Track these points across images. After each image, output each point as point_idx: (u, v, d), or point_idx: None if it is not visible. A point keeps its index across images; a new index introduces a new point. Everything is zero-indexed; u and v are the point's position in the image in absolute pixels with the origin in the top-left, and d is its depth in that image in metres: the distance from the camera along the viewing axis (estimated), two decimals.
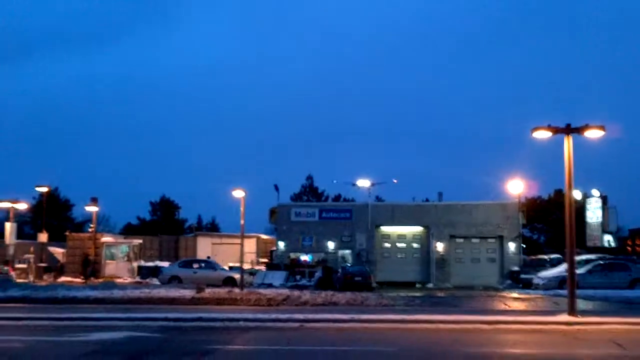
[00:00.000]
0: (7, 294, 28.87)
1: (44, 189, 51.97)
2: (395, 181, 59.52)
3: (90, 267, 44.56)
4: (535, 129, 20.84)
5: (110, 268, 47.18)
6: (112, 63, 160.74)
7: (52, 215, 66.25)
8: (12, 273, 41.59)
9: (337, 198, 75.93)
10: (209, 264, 40.55)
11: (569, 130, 20.74)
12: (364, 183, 49.93)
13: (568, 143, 20.75)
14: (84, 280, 41.21)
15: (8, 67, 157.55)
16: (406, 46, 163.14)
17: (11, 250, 43.76)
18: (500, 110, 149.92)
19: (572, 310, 19.99)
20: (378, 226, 45.30)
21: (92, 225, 52.23)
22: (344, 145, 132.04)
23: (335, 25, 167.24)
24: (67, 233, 52.25)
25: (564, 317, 19.51)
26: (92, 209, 50.61)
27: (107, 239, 49.79)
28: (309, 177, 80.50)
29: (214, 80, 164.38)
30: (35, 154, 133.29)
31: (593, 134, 20.72)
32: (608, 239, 44.10)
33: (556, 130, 20.83)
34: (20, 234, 49.69)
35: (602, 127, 20.57)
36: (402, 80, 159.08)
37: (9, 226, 43.66)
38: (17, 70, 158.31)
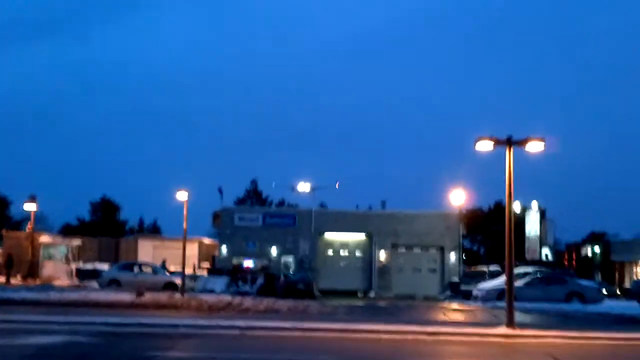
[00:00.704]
0: None
1: None
2: (337, 186, 59.74)
3: (14, 267, 43.26)
4: (479, 139, 21.21)
5: (47, 269, 46.14)
6: (56, 58, 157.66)
7: None
8: None
9: (282, 203, 75.89)
10: (154, 269, 40.03)
11: (510, 142, 21.18)
12: (304, 187, 49.93)
13: (509, 155, 21.18)
14: (6, 282, 39.91)
15: None
16: (353, 49, 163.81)
17: None
18: (447, 120, 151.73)
19: (510, 323, 20.33)
20: (322, 233, 45.35)
21: (29, 224, 51.06)
22: (290, 150, 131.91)
23: (288, 26, 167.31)
24: (3, 232, 50.94)
25: (503, 330, 19.83)
26: (30, 207, 49.44)
27: (45, 238, 48.72)
28: (254, 182, 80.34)
29: (161, 77, 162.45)
30: None
31: (534, 147, 21.18)
32: (546, 253, 45.10)
33: (498, 142, 21.24)
34: None
35: (542, 140, 21.07)
36: (351, 87, 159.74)
37: None
38: None
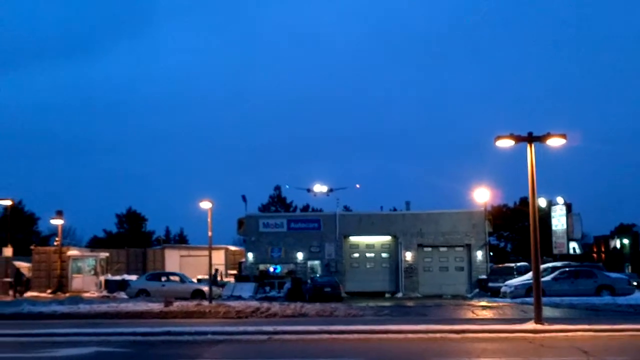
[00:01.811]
0: None
1: (8, 203, 51.40)
2: (358, 186, 59.57)
3: (24, 282, 43.67)
4: (499, 137, 21.07)
5: (76, 282, 46.61)
6: (79, 77, 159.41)
7: (17, 229, 65.26)
8: None
9: (306, 208, 75.95)
10: (182, 278, 40.28)
11: (531, 138, 21.01)
12: (320, 189, 49.82)
13: (530, 151, 21.03)
14: (13, 297, 40.19)
15: None
16: (375, 55, 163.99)
17: None
18: (468, 118, 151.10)
19: (538, 318, 20.18)
20: (346, 236, 45.38)
21: (57, 239, 51.55)
22: (312, 155, 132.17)
23: (307, 32, 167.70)
24: (32, 247, 51.49)
25: (531, 325, 19.70)
26: (57, 222, 49.98)
27: (73, 252, 49.18)
28: (277, 188, 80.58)
29: (180, 91, 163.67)
30: None
31: (555, 142, 21.01)
32: (573, 246, 44.65)
33: (519, 139, 21.08)
34: None
35: (563, 136, 20.89)
36: (371, 89, 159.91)
37: None
38: None
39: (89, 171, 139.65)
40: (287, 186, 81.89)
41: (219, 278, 42.97)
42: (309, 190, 58.34)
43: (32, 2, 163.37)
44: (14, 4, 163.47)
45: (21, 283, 43.39)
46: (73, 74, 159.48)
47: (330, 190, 54.12)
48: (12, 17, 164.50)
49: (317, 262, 44.98)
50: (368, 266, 45.47)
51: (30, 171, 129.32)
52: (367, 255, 45.67)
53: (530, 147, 20.97)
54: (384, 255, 45.52)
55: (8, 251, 47.51)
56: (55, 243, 51.72)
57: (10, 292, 42.35)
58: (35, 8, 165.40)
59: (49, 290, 45.41)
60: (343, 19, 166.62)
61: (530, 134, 20.98)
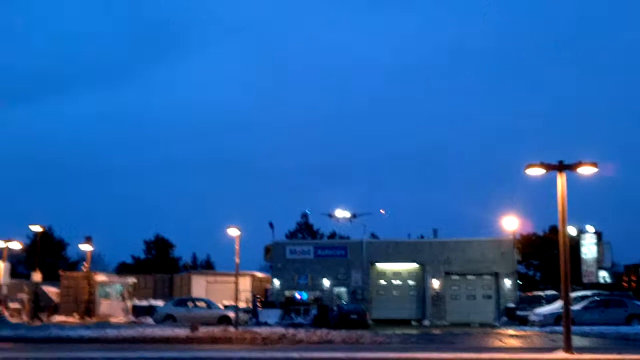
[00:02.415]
0: (1, 333, 28.68)
1: (38, 228, 51.87)
2: (382, 212, 58.92)
3: (44, 307, 43.84)
4: (529, 166, 20.95)
5: (104, 307, 46.83)
6: (105, 104, 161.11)
7: (46, 254, 65.96)
8: (6, 313, 41.31)
9: (333, 235, 75.75)
10: (208, 304, 40.36)
11: (561, 167, 20.85)
12: (343, 214, 49.53)
13: (561, 180, 20.86)
14: (31, 322, 40.30)
15: (2, 109, 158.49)
16: (400, 80, 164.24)
17: (4, 290, 43.57)
18: (496, 146, 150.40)
19: (568, 348, 19.89)
20: (373, 263, 45.26)
21: (85, 264, 51.94)
22: (340, 181, 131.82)
23: (335, 58, 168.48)
24: (61, 272, 51.91)
25: (561, 355, 19.42)
26: (86, 247, 50.39)
27: (101, 278, 49.49)
28: (304, 215, 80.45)
29: (208, 117, 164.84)
30: (29, 193, 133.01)
31: (586, 170, 20.84)
32: (603, 275, 44.10)
33: (549, 168, 20.93)
34: (13, 273, 49.47)
35: (594, 164, 20.70)
36: (397, 116, 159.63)
37: (2, 265, 43.59)
38: (10, 111, 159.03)
39: (117, 197, 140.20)
40: (308, 211, 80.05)
41: (258, 305, 42.72)
42: (330, 216, 57.73)
43: (59, 32, 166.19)
44: (43, 33, 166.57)
45: (40, 307, 43.58)
46: (102, 101, 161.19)
47: (354, 215, 53.62)
48: (39, 44, 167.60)
49: (343, 289, 44.86)
50: (395, 294, 45.27)
51: (60, 197, 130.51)
52: (394, 282, 45.48)
53: (561, 175, 20.80)
54: (410, 282, 45.30)
55: (37, 276, 47.85)
56: (84, 268, 52.11)
57: (24, 317, 42.58)
58: (64, 38, 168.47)
59: (76, 315, 45.67)
60: (370, 44, 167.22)
61: (560, 162, 20.82)
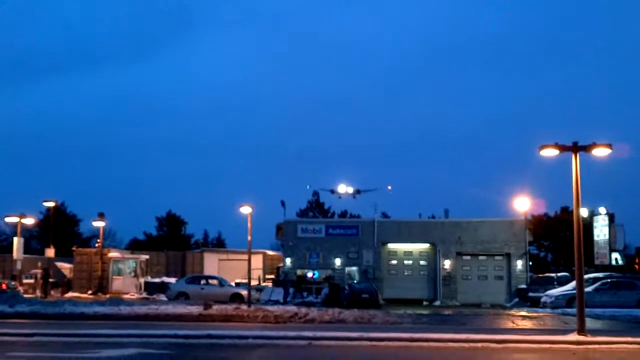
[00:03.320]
0: (16, 309, 28.92)
1: (51, 204, 52.26)
2: (389, 188, 58.59)
3: (50, 283, 44.13)
4: (543, 147, 20.84)
5: (117, 284, 47.23)
6: (121, 82, 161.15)
7: (59, 230, 66.34)
8: (20, 288, 41.69)
9: (344, 214, 75.84)
10: (221, 281, 40.55)
11: (576, 148, 20.74)
12: (346, 189, 49.02)
13: (575, 161, 20.75)
14: (43, 297, 40.64)
15: (18, 87, 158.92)
16: (415, 64, 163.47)
17: (19, 265, 43.93)
18: (507, 126, 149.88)
19: (581, 330, 19.89)
20: (385, 243, 45.24)
21: (99, 241, 52.31)
22: (352, 161, 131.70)
23: (350, 40, 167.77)
24: (74, 248, 52.29)
25: (574, 337, 19.41)
26: (99, 224, 50.76)
27: (114, 254, 49.84)
28: (315, 193, 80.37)
29: (221, 96, 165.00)
30: (42, 169, 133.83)
31: (600, 152, 20.74)
32: (615, 257, 43.89)
33: (563, 149, 20.83)
34: (27, 249, 49.89)
35: (609, 146, 20.60)
36: (409, 96, 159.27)
37: (16, 241, 43.87)
38: (26, 89, 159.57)
39: (130, 174, 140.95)
40: (308, 186, 78.73)
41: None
42: (332, 192, 57.12)
43: (68, 11, 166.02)
44: (52, 11, 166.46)
45: (50, 283, 43.89)
46: (115, 79, 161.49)
47: (358, 191, 53.03)
48: (53, 22, 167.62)
49: (354, 269, 44.87)
50: (406, 273, 45.26)
51: (73, 174, 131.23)
52: (405, 262, 45.46)
53: (575, 157, 20.69)
54: (422, 262, 45.27)
55: (50, 252, 48.26)
56: (97, 245, 52.51)
57: (38, 293, 42.93)
58: (72, 16, 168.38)
59: (89, 292, 46.08)
60: (385, 27, 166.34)
61: (575, 143, 20.71)
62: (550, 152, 20.92)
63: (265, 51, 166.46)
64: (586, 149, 20.65)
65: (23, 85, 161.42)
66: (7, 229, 66.17)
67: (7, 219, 47.70)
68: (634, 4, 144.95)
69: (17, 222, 44.64)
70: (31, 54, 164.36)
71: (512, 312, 35.02)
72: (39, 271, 45.22)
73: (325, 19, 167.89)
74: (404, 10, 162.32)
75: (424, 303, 42.68)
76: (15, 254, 43.67)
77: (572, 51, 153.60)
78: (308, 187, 78.33)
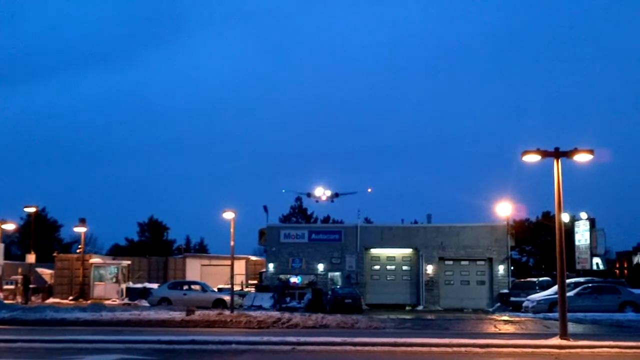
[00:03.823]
0: None
1: (32, 210, 51.79)
2: (369, 190, 58.46)
3: (30, 289, 43.79)
4: (525, 152, 21.00)
5: (98, 289, 46.87)
6: (102, 87, 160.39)
7: (40, 236, 65.79)
8: (0, 294, 41.33)
9: (327, 219, 75.88)
10: (203, 287, 40.41)
11: (558, 154, 20.93)
12: (323, 192, 48.55)
13: (557, 167, 20.93)
14: (24, 303, 40.32)
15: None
16: (398, 67, 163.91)
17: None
18: (489, 131, 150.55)
19: (563, 334, 20.03)
20: (367, 248, 45.32)
21: (80, 246, 51.94)
22: (334, 166, 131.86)
23: (334, 43, 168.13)
24: (55, 254, 51.91)
25: (556, 341, 19.55)
26: (80, 229, 50.42)
27: (95, 260, 49.51)
28: (298, 199, 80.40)
29: (204, 100, 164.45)
30: (23, 174, 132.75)
31: (582, 157, 20.93)
32: (597, 262, 44.25)
33: (545, 154, 21.01)
34: (8, 254, 49.52)
35: (590, 151, 20.81)
36: (391, 102, 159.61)
37: None
38: (4, 94, 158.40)
39: (111, 179, 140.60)
40: (284, 190, 76.00)
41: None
42: (309, 195, 56.52)
43: (61, 10, 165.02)
44: (44, 13, 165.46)
45: (29, 289, 43.47)
46: (96, 83, 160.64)
47: (336, 194, 52.58)
48: (34, 26, 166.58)
49: (337, 274, 44.92)
50: (389, 278, 45.35)
51: (54, 178, 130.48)
52: (388, 267, 45.54)
53: (557, 162, 20.87)
54: (404, 267, 45.38)
55: (31, 258, 47.82)
56: (78, 250, 52.13)
57: (19, 299, 42.57)
58: (64, 16, 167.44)
59: (70, 297, 45.75)
60: (368, 30, 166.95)
61: (557, 149, 20.89)
62: (532, 158, 21.08)
63: (250, 54, 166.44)
64: (568, 154, 20.84)
65: (1, 90, 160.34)
66: None
67: None
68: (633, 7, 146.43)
69: None
70: (11, 57, 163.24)
71: (495, 316, 35.19)
72: (19, 277, 44.82)
73: (314, 24, 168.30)
74: (392, 13, 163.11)
75: (407, 308, 42.78)
76: None
77: (555, 57, 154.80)
78: (284, 191, 75.82)
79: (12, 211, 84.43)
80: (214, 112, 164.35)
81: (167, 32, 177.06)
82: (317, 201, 57.61)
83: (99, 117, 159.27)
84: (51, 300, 44.57)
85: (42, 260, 52.72)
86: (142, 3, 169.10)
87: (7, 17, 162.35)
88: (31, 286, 45.10)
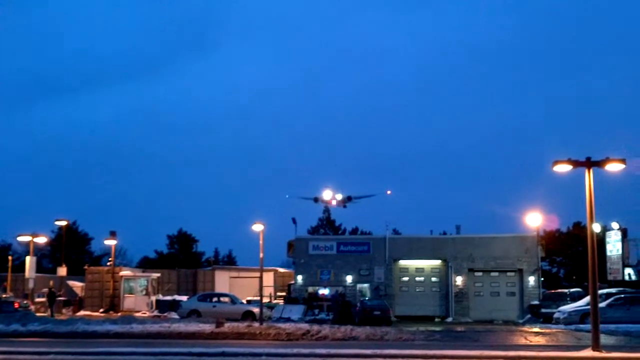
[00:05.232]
0: (28, 328, 29.05)
1: (63, 223, 52.46)
2: (389, 192, 56.97)
3: (55, 302, 44.11)
4: (556, 162, 20.85)
5: (128, 302, 47.26)
6: (131, 101, 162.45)
7: (71, 249, 66.59)
8: (32, 307, 41.78)
9: (355, 231, 75.74)
10: (232, 299, 40.52)
11: (589, 164, 20.74)
12: (332, 196, 46.98)
13: (589, 177, 20.74)
14: (50, 316, 40.63)
15: (31, 108, 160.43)
16: (430, 80, 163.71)
17: (31, 284, 44.09)
18: (519, 141, 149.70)
19: (596, 346, 19.78)
20: (396, 260, 45.12)
21: (110, 259, 52.45)
22: (363, 177, 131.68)
23: (367, 52, 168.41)
24: (85, 267, 52.45)
25: (589, 353, 19.32)
26: (111, 242, 50.88)
27: (125, 272, 49.91)
28: (326, 210, 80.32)
29: (232, 114, 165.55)
30: (54, 188, 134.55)
31: (614, 167, 20.74)
32: (629, 272, 43.63)
33: (577, 164, 20.84)
34: (39, 267, 50.06)
35: (622, 161, 20.62)
36: (422, 112, 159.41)
37: (28, 260, 44.09)
38: (38, 110, 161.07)
39: (141, 192, 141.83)
40: (287, 196, 66.61)
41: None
42: (316, 200, 53.69)
43: (97, 27, 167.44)
44: (81, 32, 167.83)
45: (54, 302, 43.80)
46: (125, 99, 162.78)
47: (348, 198, 50.55)
48: (77, 42, 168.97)
49: (366, 285, 44.78)
50: (417, 290, 45.09)
51: (85, 192, 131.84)
52: (417, 279, 45.31)
53: (589, 172, 20.68)
54: (433, 279, 45.11)
55: (62, 271, 48.47)
56: (108, 263, 52.67)
57: (48, 311, 42.95)
58: (99, 33, 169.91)
59: (101, 310, 46.12)
60: (399, 39, 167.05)
61: (588, 158, 20.70)
62: (563, 168, 20.92)
63: (279, 64, 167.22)
64: (599, 164, 20.65)
65: (36, 106, 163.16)
66: (19, 248, 66.36)
67: (20, 238, 47.85)
68: None
69: (30, 241, 44.84)
70: (43, 75, 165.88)
71: (525, 328, 34.82)
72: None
73: (337, 30, 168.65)
74: (411, 24, 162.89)
75: (436, 320, 42.51)
76: (27, 273, 43.90)
77: (583, 65, 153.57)
78: (287, 196, 66.19)
79: (43, 224, 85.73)
80: (243, 124, 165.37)
81: (195, 47, 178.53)
82: (326, 206, 54.69)
83: (129, 131, 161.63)
84: (82, 312, 44.98)
85: (73, 273, 53.36)
86: (173, 18, 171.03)
87: (49, 35, 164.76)
88: (62, 299, 45.61)
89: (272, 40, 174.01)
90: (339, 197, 46.44)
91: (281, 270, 56.13)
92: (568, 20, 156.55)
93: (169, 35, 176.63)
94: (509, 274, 44.18)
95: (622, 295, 36.15)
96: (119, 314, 42.93)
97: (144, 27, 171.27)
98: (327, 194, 47.79)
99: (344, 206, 54.22)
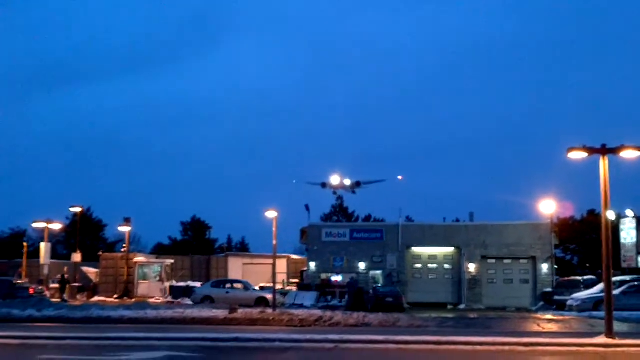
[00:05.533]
0: (43, 313, 29.27)
1: (78, 210, 52.79)
2: (400, 178, 56.04)
3: (69, 287, 44.44)
4: (571, 149, 20.71)
5: (142, 288, 47.47)
6: (146, 90, 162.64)
7: (85, 235, 66.93)
8: (47, 293, 42.12)
9: (368, 218, 75.77)
10: (245, 285, 40.68)
11: (604, 151, 20.58)
12: (339, 182, 46.42)
13: (604, 164, 20.60)
14: (61, 300, 40.98)
15: (45, 94, 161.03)
16: (440, 65, 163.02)
17: (46, 270, 44.39)
18: (532, 129, 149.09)
19: (609, 332, 19.73)
20: (409, 247, 45.13)
21: (124, 245, 52.66)
22: (376, 165, 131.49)
23: (378, 46, 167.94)
24: (100, 253, 52.74)
25: (602, 340, 19.27)
26: (125, 229, 51.06)
27: (139, 259, 50.13)
28: (340, 197, 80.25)
29: (246, 102, 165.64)
30: (69, 175, 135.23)
31: (629, 154, 20.60)
32: None
33: (592, 151, 20.69)
34: (54, 254, 50.33)
35: (638, 148, 20.46)
36: (433, 100, 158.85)
37: (43, 246, 44.39)
38: (54, 97, 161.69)
39: (155, 179, 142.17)
40: (294, 181, 67.26)
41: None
42: (324, 185, 52.49)
43: (107, 18, 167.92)
44: (93, 20, 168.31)
45: (66, 288, 44.15)
46: (140, 87, 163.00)
47: (357, 184, 49.68)
48: (89, 31, 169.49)
49: (379, 272, 44.81)
50: (430, 277, 45.10)
51: (99, 179, 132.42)
52: (430, 266, 45.31)
53: (604, 159, 20.52)
54: (446, 266, 45.10)
55: (77, 257, 48.72)
56: (122, 250, 52.88)
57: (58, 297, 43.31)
58: (112, 25, 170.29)
59: (115, 296, 46.38)
60: (411, 31, 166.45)
61: (603, 145, 20.53)
62: (578, 155, 20.78)
63: (289, 58, 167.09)
64: (614, 151, 20.48)
65: (52, 93, 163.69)
66: (34, 235, 66.80)
67: (35, 225, 48.21)
68: None
69: (44, 228, 45.15)
70: (59, 63, 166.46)
71: (538, 315, 34.81)
72: (66, 276, 45.64)
73: (344, 24, 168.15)
74: (432, 18, 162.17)
75: (449, 307, 42.52)
76: (42, 259, 44.16)
77: (594, 52, 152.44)
78: (294, 181, 67.44)
79: (58, 211, 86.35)
80: (256, 113, 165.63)
81: (208, 38, 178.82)
82: (334, 192, 53.64)
83: (143, 119, 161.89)
84: (96, 298, 45.25)
85: (87, 260, 53.64)
86: (185, 9, 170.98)
87: (59, 25, 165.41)
88: (76, 285, 45.91)
89: (286, 34, 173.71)
90: (348, 182, 45.72)
91: (294, 257, 56.25)
92: (577, 9, 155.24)
93: (184, 26, 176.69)
94: (522, 261, 44.09)
95: (636, 283, 36.00)
96: (133, 300, 43.16)
97: (157, 19, 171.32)
98: (335, 179, 47.12)
99: (353, 192, 53.56)
